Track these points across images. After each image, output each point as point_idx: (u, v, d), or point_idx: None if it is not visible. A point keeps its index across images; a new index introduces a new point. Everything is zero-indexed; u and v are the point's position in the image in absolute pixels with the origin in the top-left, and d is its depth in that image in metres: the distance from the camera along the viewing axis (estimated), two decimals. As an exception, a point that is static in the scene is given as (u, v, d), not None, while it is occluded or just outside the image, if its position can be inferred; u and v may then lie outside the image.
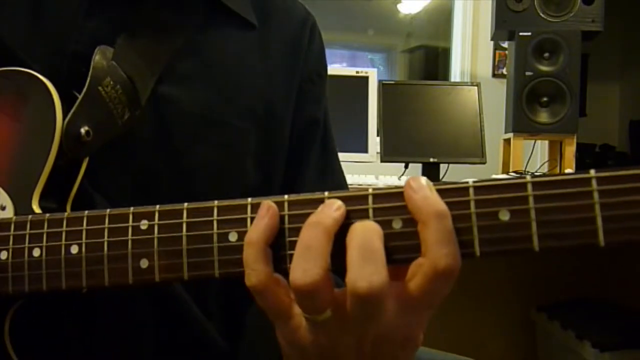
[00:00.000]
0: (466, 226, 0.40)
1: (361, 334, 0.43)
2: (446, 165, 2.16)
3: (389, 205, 0.42)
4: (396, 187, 0.42)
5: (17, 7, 0.61)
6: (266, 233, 0.43)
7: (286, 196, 0.44)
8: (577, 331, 2.00)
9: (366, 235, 0.40)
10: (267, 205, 0.44)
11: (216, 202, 0.46)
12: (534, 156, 2.47)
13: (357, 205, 0.42)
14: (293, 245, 0.43)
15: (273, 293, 0.43)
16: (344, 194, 0.43)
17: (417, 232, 0.41)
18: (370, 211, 0.42)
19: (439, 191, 0.41)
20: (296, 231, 0.43)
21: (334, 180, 0.75)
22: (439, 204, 0.40)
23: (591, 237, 0.38)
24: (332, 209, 0.42)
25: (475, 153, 2.15)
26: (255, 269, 0.42)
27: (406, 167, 2.17)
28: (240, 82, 0.67)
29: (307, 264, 0.40)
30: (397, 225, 0.42)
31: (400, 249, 0.42)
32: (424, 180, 0.42)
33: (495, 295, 2.29)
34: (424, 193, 0.41)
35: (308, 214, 0.43)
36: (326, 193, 0.44)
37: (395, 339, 0.43)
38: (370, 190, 0.43)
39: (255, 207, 0.44)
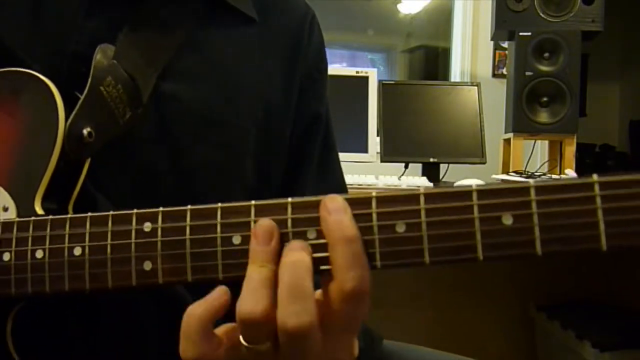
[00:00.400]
0: (469, 231, 0.41)
1: None
2: (446, 165, 2.16)
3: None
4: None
5: (17, 7, 0.61)
6: (214, 313, 0.43)
7: (289, 199, 0.44)
8: (577, 331, 2.00)
9: (296, 273, 0.41)
10: (225, 290, 0.44)
11: (219, 205, 0.46)
12: (534, 156, 2.47)
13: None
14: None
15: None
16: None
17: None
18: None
19: (442, 195, 0.41)
20: (301, 234, 0.43)
21: (335, 178, 0.76)
22: (349, 228, 0.41)
23: (594, 242, 0.38)
24: (260, 236, 0.43)
25: (475, 153, 2.15)
26: (195, 342, 0.43)
27: (406, 167, 2.17)
28: (240, 81, 0.67)
29: (254, 297, 0.41)
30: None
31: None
32: (340, 201, 0.42)
33: (495, 295, 2.29)
34: (337, 216, 0.42)
35: (309, 216, 0.43)
36: (289, 199, 0.44)
37: None
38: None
39: (259, 210, 0.45)
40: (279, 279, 0.42)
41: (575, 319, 2.09)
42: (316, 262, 0.43)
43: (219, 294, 0.44)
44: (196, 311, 0.43)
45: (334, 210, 0.42)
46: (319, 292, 0.45)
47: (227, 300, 0.44)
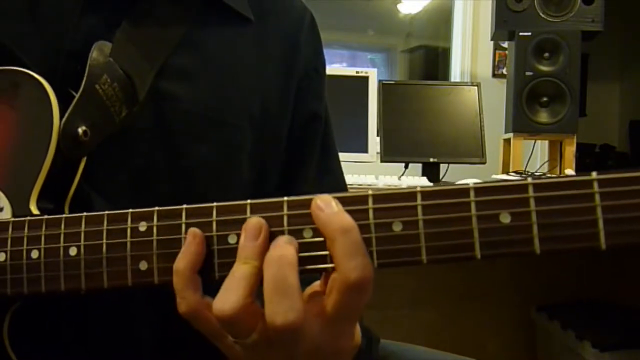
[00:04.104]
0: (467, 229, 0.40)
1: (290, 354, 0.44)
2: (446, 165, 2.15)
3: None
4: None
5: (13, 6, 0.61)
6: (193, 261, 0.44)
7: (285, 198, 0.44)
8: (577, 331, 2.00)
9: (280, 269, 0.42)
10: (193, 233, 0.45)
11: (215, 204, 0.46)
12: (534, 156, 2.47)
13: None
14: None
15: (204, 318, 0.45)
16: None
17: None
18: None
19: (439, 193, 0.41)
20: (297, 233, 0.43)
21: (335, 177, 0.75)
22: (344, 219, 0.42)
23: (593, 240, 0.38)
24: (249, 234, 0.43)
25: (475, 153, 2.14)
26: (184, 297, 0.44)
27: (406, 167, 2.17)
28: (237, 80, 0.67)
29: (226, 294, 0.42)
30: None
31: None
32: (330, 198, 0.43)
33: (495, 295, 2.29)
34: (329, 210, 0.42)
35: (305, 214, 0.43)
36: (285, 198, 0.44)
37: (325, 352, 0.45)
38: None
39: (254, 208, 0.44)
40: (263, 275, 0.42)
41: (575, 319, 2.09)
42: (315, 260, 0.43)
43: (190, 239, 0.45)
44: (178, 266, 0.44)
45: (326, 206, 0.42)
46: (317, 283, 0.45)
47: (200, 244, 0.44)
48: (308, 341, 0.43)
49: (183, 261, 0.44)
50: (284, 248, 0.42)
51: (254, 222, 0.44)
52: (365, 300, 0.43)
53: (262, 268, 0.42)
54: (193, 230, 0.45)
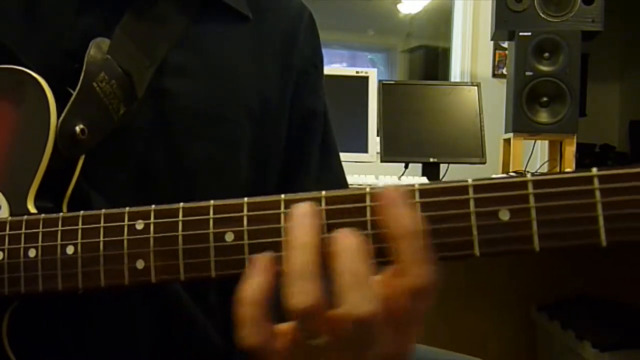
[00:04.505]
0: (465, 226, 0.40)
1: (359, 357, 0.42)
2: (446, 165, 2.16)
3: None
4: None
5: (10, 5, 0.61)
6: (264, 291, 0.41)
7: (283, 195, 0.44)
8: (577, 331, 2.00)
9: (353, 259, 0.40)
10: (264, 261, 0.42)
11: (212, 202, 0.45)
12: (534, 156, 2.47)
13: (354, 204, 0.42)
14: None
15: (272, 347, 0.42)
16: (342, 193, 0.43)
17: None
18: (368, 210, 0.42)
19: (438, 190, 0.41)
20: None
21: (335, 175, 0.75)
22: (413, 221, 0.40)
23: (593, 236, 0.37)
24: (307, 223, 0.41)
25: (475, 153, 2.14)
26: (256, 328, 0.41)
27: (406, 167, 2.17)
28: (235, 77, 0.67)
29: (302, 285, 0.40)
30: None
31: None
32: (399, 192, 0.41)
33: (496, 295, 2.29)
34: (397, 210, 0.40)
35: None
36: (323, 192, 0.43)
37: (388, 355, 0.43)
38: (367, 189, 0.42)
39: (251, 206, 0.44)
40: (334, 266, 0.40)
41: (575, 319, 2.09)
42: None
43: (261, 267, 0.42)
44: (246, 294, 0.41)
45: (394, 203, 0.40)
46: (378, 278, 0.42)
47: (271, 267, 0.41)
48: (379, 343, 0.41)
49: (253, 291, 0.41)
50: (351, 238, 0.40)
51: (306, 207, 0.42)
52: (429, 304, 0.41)
53: (329, 259, 0.40)
54: (263, 258, 0.42)
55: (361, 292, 0.39)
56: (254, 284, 0.41)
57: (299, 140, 0.71)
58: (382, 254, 0.41)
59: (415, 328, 0.44)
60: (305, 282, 0.40)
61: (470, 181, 0.40)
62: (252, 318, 0.41)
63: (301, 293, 0.40)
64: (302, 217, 0.41)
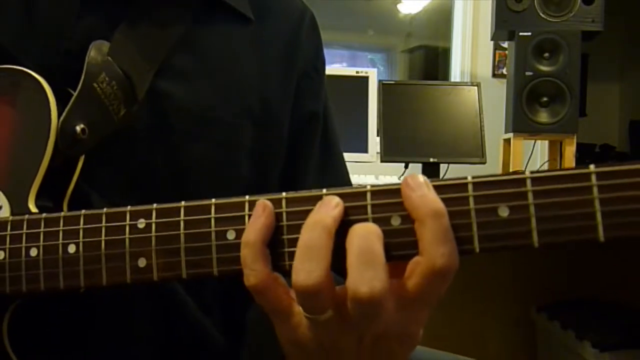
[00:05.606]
0: (465, 222, 0.40)
1: (361, 333, 0.43)
2: (446, 165, 2.16)
3: (387, 201, 0.42)
4: (394, 184, 0.42)
5: (10, 6, 0.61)
6: (263, 232, 0.43)
7: (284, 193, 0.44)
8: (577, 331, 2.00)
9: (367, 238, 0.40)
10: (263, 204, 0.44)
11: (213, 200, 0.46)
12: (534, 156, 2.47)
13: (355, 202, 0.42)
14: (291, 243, 0.43)
15: (273, 292, 0.43)
16: (342, 191, 0.43)
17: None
18: (369, 208, 0.42)
19: (438, 187, 0.41)
20: (294, 228, 0.43)
21: (336, 176, 0.75)
22: (436, 202, 0.40)
23: (591, 232, 0.38)
24: (330, 207, 0.42)
25: (475, 153, 2.14)
26: (254, 269, 0.43)
27: (406, 167, 2.17)
28: (236, 79, 0.67)
29: (310, 265, 0.40)
30: (395, 222, 0.42)
31: (399, 245, 0.41)
32: (422, 178, 0.41)
33: (496, 295, 2.29)
34: (421, 191, 0.41)
35: (306, 211, 0.42)
36: (324, 190, 0.43)
37: (394, 335, 0.44)
38: (368, 187, 0.42)
39: (253, 205, 0.44)
40: (348, 245, 0.40)
41: (575, 319, 2.09)
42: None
43: (259, 210, 0.43)
44: (249, 238, 0.43)
45: (417, 187, 0.41)
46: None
47: (270, 216, 0.43)
48: (382, 321, 0.41)
49: (253, 233, 0.43)
50: (367, 223, 0.41)
51: (334, 198, 0.42)
52: (445, 287, 0.41)
53: (345, 239, 0.41)
54: (262, 202, 0.44)
55: (368, 270, 0.39)
56: (254, 226, 0.43)
57: (300, 141, 0.71)
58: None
59: (427, 310, 0.44)
60: (311, 260, 0.40)
61: (469, 178, 0.41)
62: (250, 259, 0.43)
63: (304, 271, 0.40)
64: (327, 203, 0.42)
